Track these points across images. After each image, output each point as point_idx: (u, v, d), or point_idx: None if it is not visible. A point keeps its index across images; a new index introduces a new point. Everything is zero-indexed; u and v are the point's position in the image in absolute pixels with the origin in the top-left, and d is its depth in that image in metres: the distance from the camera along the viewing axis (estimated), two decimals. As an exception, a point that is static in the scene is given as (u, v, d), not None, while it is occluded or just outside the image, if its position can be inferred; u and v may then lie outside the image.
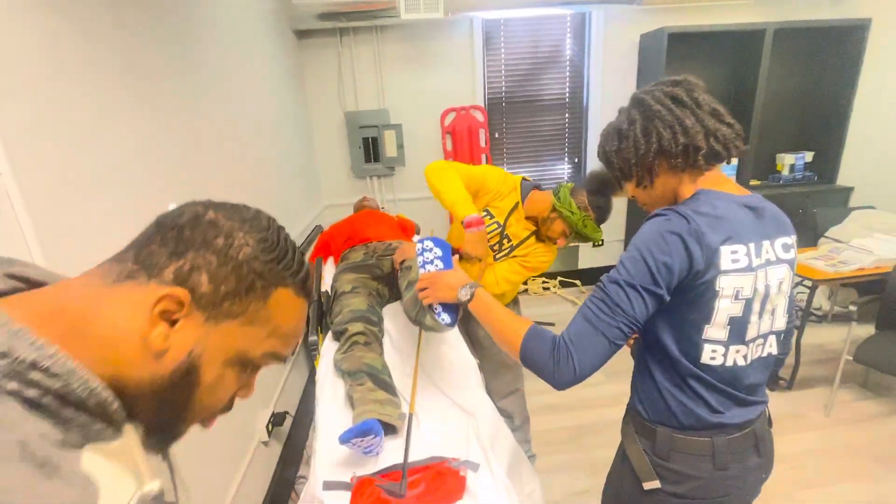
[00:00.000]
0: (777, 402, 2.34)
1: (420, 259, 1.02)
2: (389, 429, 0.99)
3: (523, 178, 1.61)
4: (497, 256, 1.56)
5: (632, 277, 0.74)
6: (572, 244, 1.59)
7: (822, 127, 3.52)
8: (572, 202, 1.42)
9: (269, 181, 2.24)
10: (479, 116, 3.43)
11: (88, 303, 0.38)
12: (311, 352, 1.39)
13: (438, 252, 1.01)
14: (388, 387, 1.12)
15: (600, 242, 1.58)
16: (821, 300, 3.19)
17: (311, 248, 2.64)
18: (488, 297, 0.92)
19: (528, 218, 1.56)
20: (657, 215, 0.77)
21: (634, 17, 3.33)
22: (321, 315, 1.55)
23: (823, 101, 3.49)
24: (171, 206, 1.06)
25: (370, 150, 3.38)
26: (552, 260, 1.61)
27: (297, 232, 2.62)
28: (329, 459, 0.94)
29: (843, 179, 3.51)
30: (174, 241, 0.40)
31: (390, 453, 0.95)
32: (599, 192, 1.42)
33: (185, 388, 0.40)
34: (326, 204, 3.50)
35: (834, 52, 3.37)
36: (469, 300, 0.92)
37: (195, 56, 1.50)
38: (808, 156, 3.53)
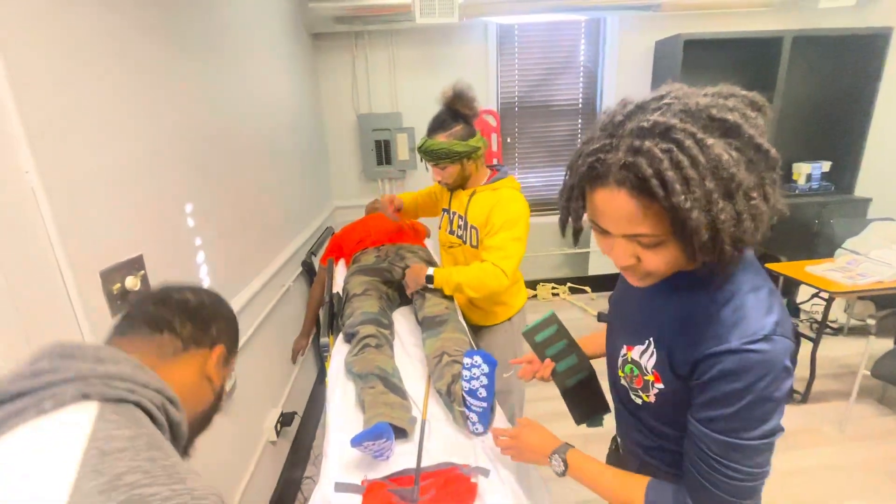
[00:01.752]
0: (791, 416, 2.30)
1: (466, 373, 1.02)
2: (400, 432, 1.00)
3: None
4: (473, 242, 1.50)
5: (773, 431, 0.59)
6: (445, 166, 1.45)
7: (840, 136, 3.47)
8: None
9: (283, 181, 2.26)
10: (492, 121, 3.43)
11: (167, 374, 0.55)
12: (322, 353, 1.39)
13: (485, 369, 1.00)
14: (398, 390, 1.12)
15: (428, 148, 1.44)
16: (837, 313, 3.13)
17: (322, 249, 2.66)
18: (582, 457, 0.79)
19: (463, 191, 1.53)
20: (751, 351, 0.56)
21: (650, 23, 3.31)
22: (332, 317, 1.56)
23: (842, 110, 3.43)
24: (188, 208, 1.20)
25: (382, 152, 3.40)
26: (517, 202, 1.42)
27: (308, 232, 2.64)
28: (339, 461, 0.94)
29: (861, 190, 3.45)
30: (201, 319, 0.63)
31: (400, 457, 0.95)
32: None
33: (217, 402, 0.66)
34: (337, 205, 3.52)
35: (854, 60, 3.31)
36: (565, 471, 0.79)
37: (214, 57, 1.52)
38: (825, 165, 3.48)
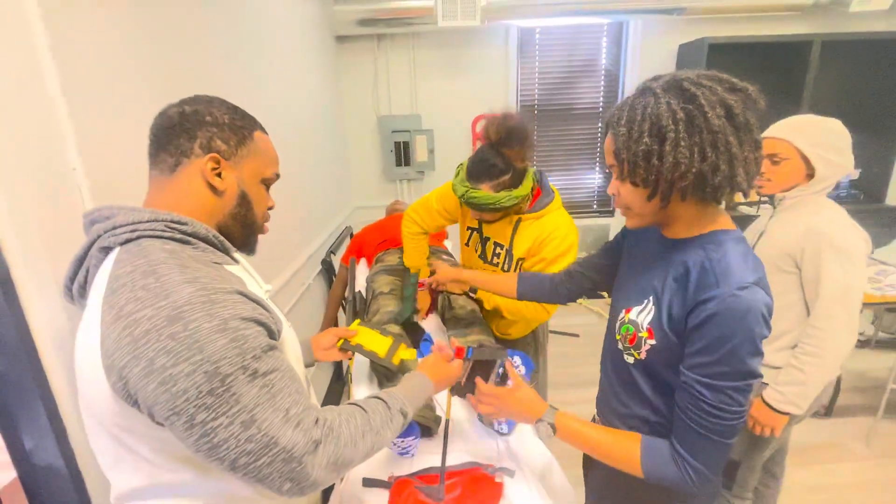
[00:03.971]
0: (813, 430, 2.24)
1: (500, 370, 0.99)
2: (424, 431, 1.01)
3: None
4: (505, 268, 1.35)
5: (754, 374, 0.65)
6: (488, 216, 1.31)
7: (870, 144, 3.37)
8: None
9: (304, 181, 2.29)
10: (511, 123, 3.42)
11: (172, 191, 0.62)
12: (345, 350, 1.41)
13: (522, 370, 1.02)
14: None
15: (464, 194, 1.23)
16: (864, 325, 3.04)
17: (342, 249, 2.69)
18: (569, 419, 0.80)
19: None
20: (735, 296, 0.63)
21: (674, 26, 3.27)
22: (355, 315, 1.58)
23: (872, 117, 3.34)
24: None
25: (401, 153, 3.43)
26: (570, 232, 1.28)
27: (328, 231, 2.67)
28: None
29: (892, 199, 3.35)
30: (183, 132, 0.62)
31: (424, 456, 0.96)
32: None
33: (246, 206, 0.67)
34: (356, 205, 3.56)
35: (886, 65, 3.22)
36: (553, 434, 0.80)
37: (242, 59, 1.56)
38: (854, 173, 3.38)
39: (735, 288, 0.64)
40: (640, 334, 0.76)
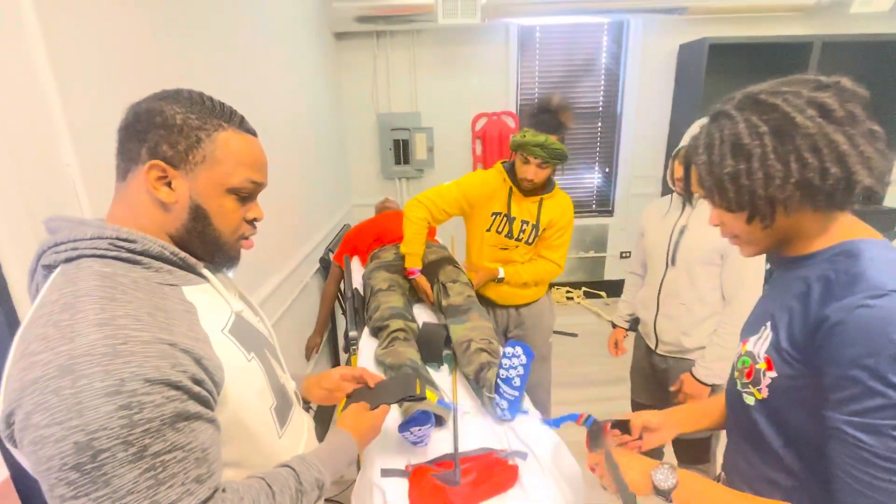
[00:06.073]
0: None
1: (506, 362, 1.04)
2: (438, 420, 1.04)
3: (502, 161, 1.64)
4: (528, 240, 1.63)
5: None
6: (541, 166, 1.50)
7: (870, 145, 3.38)
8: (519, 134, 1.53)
9: (303, 178, 2.28)
10: (511, 122, 3.42)
11: (123, 202, 0.57)
12: (350, 345, 1.42)
13: (524, 360, 1.02)
14: (429, 381, 1.16)
15: (549, 145, 1.46)
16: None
17: (339, 246, 2.68)
18: (698, 482, 0.67)
19: (526, 193, 1.59)
20: (867, 307, 0.52)
21: (674, 26, 3.27)
22: (355, 313, 1.59)
23: (874, 119, 3.34)
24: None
25: (400, 151, 3.42)
26: (571, 205, 1.67)
27: (326, 229, 2.66)
28: (381, 448, 0.99)
29: (890, 201, 3.35)
30: (134, 133, 0.55)
31: (437, 444, 0.99)
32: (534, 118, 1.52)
33: (202, 220, 0.58)
34: (355, 203, 3.55)
35: (887, 67, 3.22)
36: (672, 488, 0.67)
37: (238, 55, 1.55)
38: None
39: (866, 297, 0.53)
40: (757, 366, 0.65)
